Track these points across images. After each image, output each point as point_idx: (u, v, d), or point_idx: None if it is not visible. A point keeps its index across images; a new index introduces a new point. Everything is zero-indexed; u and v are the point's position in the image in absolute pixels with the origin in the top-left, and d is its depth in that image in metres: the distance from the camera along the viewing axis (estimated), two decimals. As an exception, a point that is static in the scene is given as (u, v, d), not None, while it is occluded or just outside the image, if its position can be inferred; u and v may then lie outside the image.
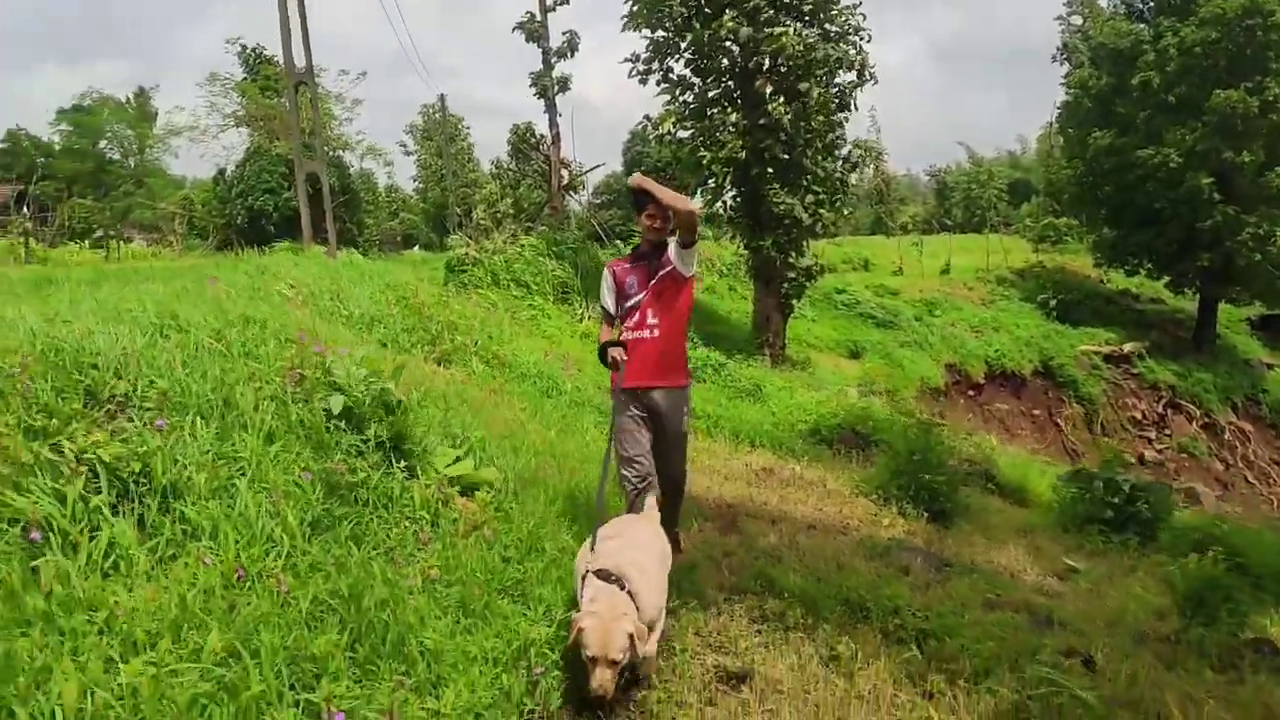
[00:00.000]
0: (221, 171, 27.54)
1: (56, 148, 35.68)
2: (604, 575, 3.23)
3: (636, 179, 4.41)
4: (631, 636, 3.02)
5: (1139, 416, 25.04)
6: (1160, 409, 25.26)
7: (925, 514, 6.82)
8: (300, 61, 18.74)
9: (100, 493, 2.86)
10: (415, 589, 3.25)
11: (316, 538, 3.29)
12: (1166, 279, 26.59)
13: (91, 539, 2.68)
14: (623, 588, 3.20)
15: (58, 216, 25.80)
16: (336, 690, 2.47)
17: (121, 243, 26.15)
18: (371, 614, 2.93)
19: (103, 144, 35.74)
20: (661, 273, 4.46)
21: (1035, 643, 4.08)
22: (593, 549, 3.45)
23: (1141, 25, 26.12)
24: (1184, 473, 23.41)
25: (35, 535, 2.55)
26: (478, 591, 3.44)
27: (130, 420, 3.28)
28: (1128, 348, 25.57)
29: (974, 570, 5.34)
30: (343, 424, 4.05)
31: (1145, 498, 7.21)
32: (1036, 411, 23.85)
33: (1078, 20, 29.50)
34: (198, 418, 3.54)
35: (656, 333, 4.44)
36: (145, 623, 2.40)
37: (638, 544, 3.62)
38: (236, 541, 2.99)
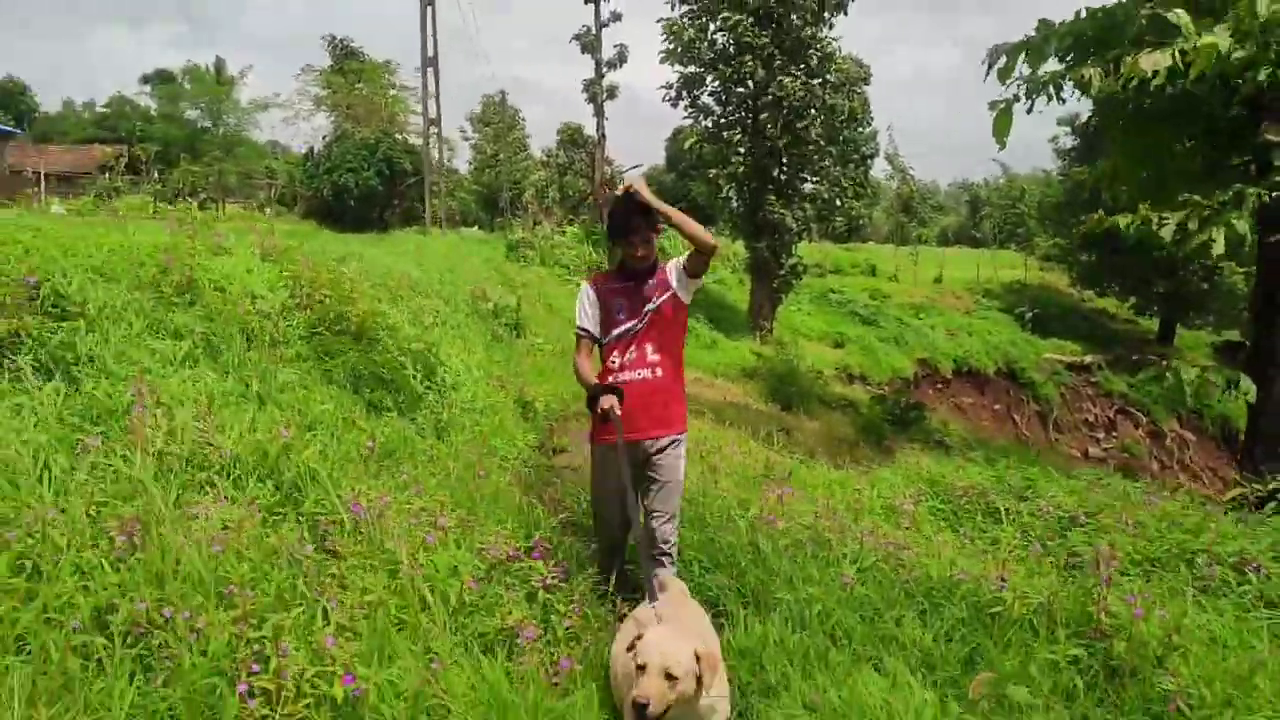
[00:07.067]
0: (311, 149, 34.29)
1: (153, 113, 43.10)
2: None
3: (647, 197, 4.00)
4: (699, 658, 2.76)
5: (1091, 419, 30.89)
6: (1111, 414, 31.07)
7: (778, 404, 13.08)
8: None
9: (423, 318, 9.31)
10: (532, 366, 9.73)
11: (491, 348, 9.74)
12: (1131, 302, 32.43)
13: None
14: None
15: (172, 179, 32.69)
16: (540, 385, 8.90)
17: (224, 205, 33.06)
18: (519, 369, 9.36)
19: (194, 113, 43.11)
20: (662, 297, 4.15)
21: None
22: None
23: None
24: (1122, 469, 29.28)
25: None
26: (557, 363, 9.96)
27: (422, 301, 9.74)
28: (1088, 359, 31.41)
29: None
30: (493, 316, 10.54)
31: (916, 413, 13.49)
32: (997, 406, 29.73)
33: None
34: (441, 303, 10.00)
35: (660, 372, 4.13)
36: (457, 358, 8.79)
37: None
38: (464, 343, 9.44)
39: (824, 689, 3.19)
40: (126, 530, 3.24)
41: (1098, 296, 34.23)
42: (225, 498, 3.83)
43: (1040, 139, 38.27)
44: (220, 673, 2.73)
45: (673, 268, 4.20)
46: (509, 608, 3.69)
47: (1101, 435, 30.68)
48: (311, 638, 2.92)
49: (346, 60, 36.13)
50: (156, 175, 31.25)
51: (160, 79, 46.60)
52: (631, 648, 2.80)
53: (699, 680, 2.73)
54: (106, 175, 32.57)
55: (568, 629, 3.76)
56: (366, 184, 32.48)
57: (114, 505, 3.50)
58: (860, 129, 31.33)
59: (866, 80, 26.64)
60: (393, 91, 36.89)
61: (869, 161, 38.54)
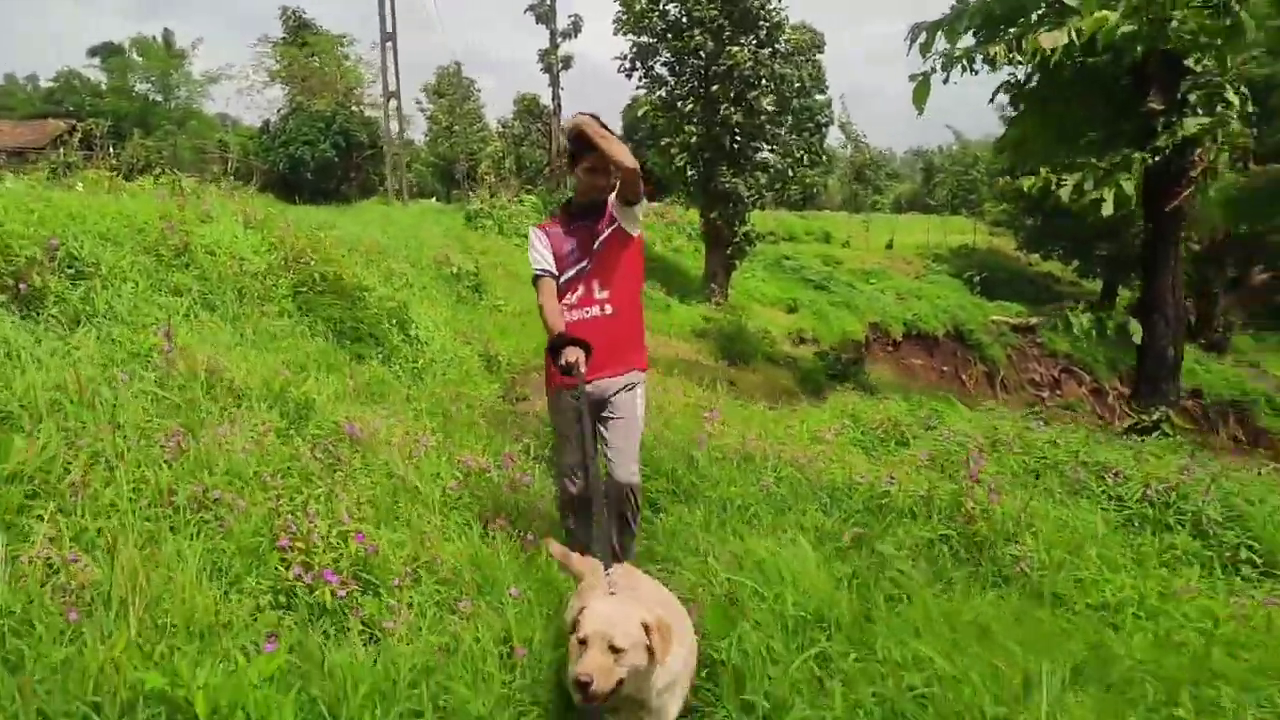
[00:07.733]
0: (266, 123, 34.48)
1: (103, 87, 42.92)
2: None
3: (578, 121, 3.72)
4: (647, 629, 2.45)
5: (1036, 379, 32.24)
6: (1055, 373, 32.45)
7: (726, 361, 14.04)
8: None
9: (393, 280, 10.08)
10: (494, 324, 10.54)
11: (456, 308, 10.53)
12: (1074, 265, 33.78)
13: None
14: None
15: (125, 153, 32.78)
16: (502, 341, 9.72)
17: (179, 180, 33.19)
18: (483, 326, 10.17)
19: (144, 86, 42.97)
20: (606, 233, 3.97)
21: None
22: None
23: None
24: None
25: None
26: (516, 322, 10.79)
27: (392, 265, 10.50)
28: (1033, 320, 32.73)
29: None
30: (455, 279, 11.32)
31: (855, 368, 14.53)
32: (945, 368, 30.96)
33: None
34: (409, 267, 10.76)
35: (609, 309, 3.95)
36: (426, 316, 9.59)
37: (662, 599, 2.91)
38: (431, 302, 10.23)
39: (729, 547, 4.10)
40: (174, 438, 4.05)
41: (1043, 260, 35.56)
42: (243, 420, 4.63)
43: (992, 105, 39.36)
44: (261, 535, 3.56)
45: (613, 201, 3.98)
46: (484, 503, 4.56)
47: (1046, 394, 31.96)
48: (331, 514, 3.76)
49: (300, 32, 36.25)
50: (110, 150, 31.36)
51: (108, 51, 46.20)
52: (574, 626, 2.49)
53: (650, 652, 2.45)
54: (60, 151, 32.61)
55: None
56: (323, 156, 32.76)
57: (156, 422, 4.31)
58: (814, 97, 32.13)
59: (820, 48, 27.49)
60: (347, 63, 37.12)
61: (824, 129, 39.41)
